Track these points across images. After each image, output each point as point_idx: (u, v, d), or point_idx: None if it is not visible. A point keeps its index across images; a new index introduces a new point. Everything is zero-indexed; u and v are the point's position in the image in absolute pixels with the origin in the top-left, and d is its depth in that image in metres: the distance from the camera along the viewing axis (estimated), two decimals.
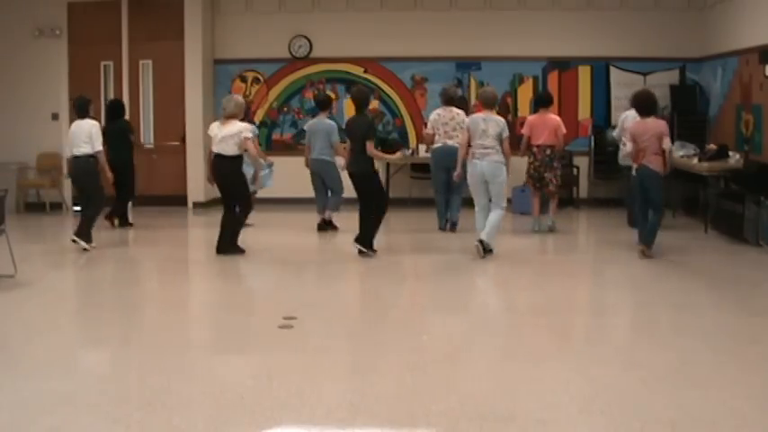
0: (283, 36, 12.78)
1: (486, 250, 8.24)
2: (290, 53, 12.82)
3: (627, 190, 9.36)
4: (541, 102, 10.24)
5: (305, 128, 10.31)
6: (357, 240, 8.44)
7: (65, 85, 12.57)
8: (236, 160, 8.41)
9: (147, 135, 12.77)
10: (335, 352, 5.54)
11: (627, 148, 8.54)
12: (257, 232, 10.05)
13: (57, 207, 12.56)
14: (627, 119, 9.54)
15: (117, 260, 9.01)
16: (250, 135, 8.47)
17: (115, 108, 10.81)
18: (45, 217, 12.19)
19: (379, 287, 7.58)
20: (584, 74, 12.62)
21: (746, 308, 6.62)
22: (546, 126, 9.85)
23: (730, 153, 10.21)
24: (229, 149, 8.32)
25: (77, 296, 7.40)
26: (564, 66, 12.61)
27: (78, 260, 8.62)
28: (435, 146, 9.94)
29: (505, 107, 12.57)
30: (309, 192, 10.19)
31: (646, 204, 8.35)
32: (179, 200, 12.61)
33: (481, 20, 12.50)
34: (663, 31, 12.29)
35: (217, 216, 8.58)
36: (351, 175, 8.57)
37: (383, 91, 12.75)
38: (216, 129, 8.44)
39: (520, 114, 12.65)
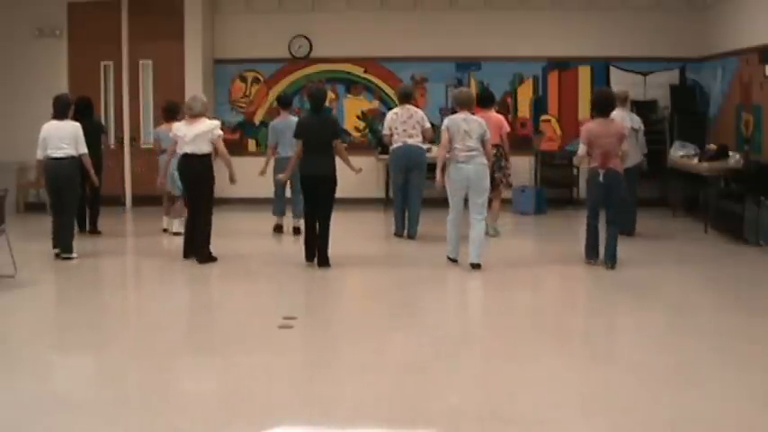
0: (283, 36, 12.78)
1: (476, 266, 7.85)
2: (290, 53, 12.82)
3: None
4: (483, 100, 9.71)
5: (272, 127, 9.90)
6: (323, 261, 7.96)
7: (65, 85, 12.52)
8: (209, 158, 8.24)
9: (146, 135, 12.75)
10: (335, 352, 5.55)
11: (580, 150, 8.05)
12: (261, 233, 10.04)
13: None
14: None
15: (117, 262, 9.01)
16: (221, 132, 8.31)
17: (86, 106, 10.25)
18: (45, 217, 12.14)
19: (378, 289, 7.58)
20: (584, 74, 12.62)
21: (746, 308, 6.62)
22: (489, 125, 8.93)
23: (730, 153, 10.20)
24: (203, 148, 8.13)
25: (77, 297, 7.38)
26: (564, 66, 12.61)
27: (78, 262, 8.60)
28: (395, 146, 9.48)
29: (505, 107, 12.58)
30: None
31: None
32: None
33: (481, 20, 12.50)
34: (663, 31, 12.29)
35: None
36: (314, 179, 7.91)
37: (383, 91, 12.75)
38: (183, 128, 8.19)
39: (520, 114, 12.67)
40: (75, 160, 8.51)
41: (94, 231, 10.12)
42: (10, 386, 4.72)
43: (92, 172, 8.77)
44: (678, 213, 11.30)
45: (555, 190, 12.38)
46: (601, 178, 7.80)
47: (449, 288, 7.55)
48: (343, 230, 9.43)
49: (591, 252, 8.03)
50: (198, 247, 8.25)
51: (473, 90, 12.22)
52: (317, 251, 8.01)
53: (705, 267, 8.22)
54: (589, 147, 7.86)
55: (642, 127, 9.73)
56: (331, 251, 8.00)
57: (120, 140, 12.78)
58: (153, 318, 6.60)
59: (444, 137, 7.86)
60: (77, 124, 8.65)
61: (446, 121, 7.97)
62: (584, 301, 7.31)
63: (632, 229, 9.61)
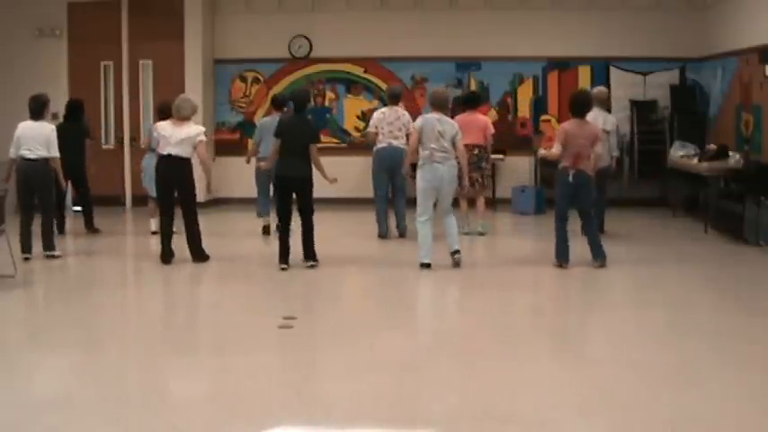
0: (283, 36, 12.78)
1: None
2: (290, 53, 12.82)
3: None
4: (469, 102, 9.86)
5: (259, 123, 9.87)
6: (310, 255, 7.96)
7: (65, 85, 12.55)
8: (190, 162, 8.18)
9: (146, 135, 12.72)
10: (335, 352, 5.54)
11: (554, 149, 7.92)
12: (259, 234, 10.04)
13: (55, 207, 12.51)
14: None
15: (116, 262, 9.01)
16: (205, 138, 8.26)
17: (75, 108, 10.25)
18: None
19: (376, 288, 7.58)
20: (584, 74, 12.61)
21: (746, 308, 6.62)
22: (474, 126, 9.42)
23: (730, 153, 10.20)
24: (187, 151, 8.09)
25: (77, 297, 7.38)
26: (564, 66, 12.61)
27: (79, 262, 8.60)
28: (379, 146, 9.50)
29: (505, 107, 12.58)
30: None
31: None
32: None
33: (481, 20, 12.50)
34: (663, 31, 12.28)
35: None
36: (290, 180, 7.89)
37: (383, 91, 12.73)
38: (169, 129, 8.14)
39: (520, 114, 12.67)
40: (48, 162, 8.37)
41: (92, 230, 10.10)
42: (9, 386, 4.72)
43: (60, 175, 8.61)
44: (678, 213, 11.30)
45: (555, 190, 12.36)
46: (570, 178, 7.79)
47: (448, 288, 7.55)
48: (341, 230, 9.46)
49: (562, 255, 7.94)
50: (193, 248, 8.26)
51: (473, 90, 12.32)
52: (302, 246, 7.97)
53: (705, 267, 8.22)
54: (563, 147, 7.82)
55: (615, 129, 9.65)
56: (329, 251, 8.00)
57: (120, 140, 12.80)
58: (152, 317, 6.60)
59: (414, 137, 7.89)
60: (52, 126, 8.50)
61: (420, 120, 7.95)
62: (583, 300, 7.30)
63: (601, 227, 9.47)
